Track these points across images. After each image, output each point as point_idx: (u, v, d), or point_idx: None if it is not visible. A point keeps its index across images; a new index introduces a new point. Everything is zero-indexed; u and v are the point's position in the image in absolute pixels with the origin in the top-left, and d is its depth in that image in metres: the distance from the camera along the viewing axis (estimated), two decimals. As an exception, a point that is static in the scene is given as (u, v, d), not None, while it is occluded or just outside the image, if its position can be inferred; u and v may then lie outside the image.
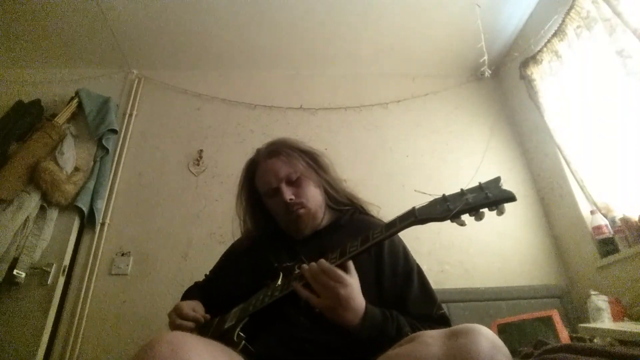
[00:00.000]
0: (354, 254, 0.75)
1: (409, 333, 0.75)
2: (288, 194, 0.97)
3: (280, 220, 1.03)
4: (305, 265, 0.77)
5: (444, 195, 0.70)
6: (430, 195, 0.72)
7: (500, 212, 0.64)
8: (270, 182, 1.00)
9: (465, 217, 0.66)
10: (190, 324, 0.88)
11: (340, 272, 0.73)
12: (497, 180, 0.66)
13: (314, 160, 1.07)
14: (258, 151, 1.10)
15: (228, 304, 0.92)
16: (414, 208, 0.72)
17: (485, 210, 0.65)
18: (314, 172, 1.04)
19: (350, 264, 0.77)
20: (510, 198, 0.62)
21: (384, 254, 0.92)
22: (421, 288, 0.90)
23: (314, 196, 1.00)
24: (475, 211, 0.65)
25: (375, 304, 0.80)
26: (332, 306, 0.73)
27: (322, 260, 0.75)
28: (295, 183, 0.99)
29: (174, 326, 0.88)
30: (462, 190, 0.68)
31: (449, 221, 0.67)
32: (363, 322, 0.74)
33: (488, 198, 0.64)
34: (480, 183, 0.67)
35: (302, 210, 0.97)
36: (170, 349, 0.54)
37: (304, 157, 1.05)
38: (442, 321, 0.85)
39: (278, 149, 1.05)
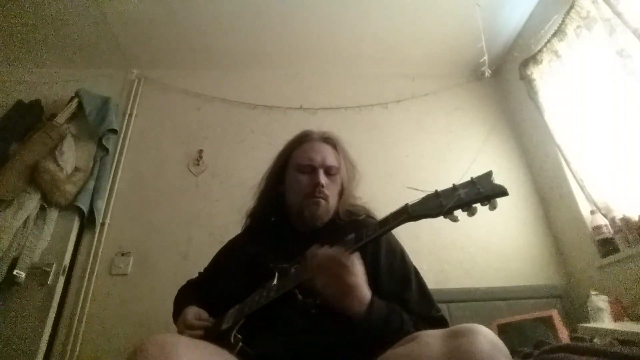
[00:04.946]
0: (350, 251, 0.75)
1: (411, 328, 0.75)
2: (323, 179, 1.00)
3: (297, 201, 1.02)
4: (311, 252, 0.77)
5: (436, 191, 0.69)
6: (422, 191, 0.71)
7: (493, 207, 0.63)
8: (315, 159, 1.02)
9: (458, 212, 0.65)
10: (200, 333, 0.88)
11: (347, 260, 0.74)
12: (488, 174, 0.65)
13: (350, 171, 1.11)
14: (311, 131, 1.12)
15: (224, 304, 0.92)
16: (406, 205, 0.71)
17: (478, 205, 0.64)
18: (344, 180, 1.08)
19: (355, 256, 0.77)
20: (502, 192, 0.62)
21: (380, 255, 0.92)
22: (419, 290, 0.90)
23: (334, 198, 1.04)
24: (467, 206, 0.64)
25: None
26: (338, 294, 0.73)
27: (327, 248, 0.76)
28: (331, 177, 1.03)
29: None
30: (454, 185, 0.67)
31: (441, 217, 0.66)
32: (369, 312, 0.74)
33: (480, 193, 0.63)
34: (472, 178, 0.66)
35: (323, 202, 0.99)
36: (161, 351, 0.54)
37: (347, 163, 1.10)
38: (441, 322, 0.85)
39: (335, 142, 1.10)
